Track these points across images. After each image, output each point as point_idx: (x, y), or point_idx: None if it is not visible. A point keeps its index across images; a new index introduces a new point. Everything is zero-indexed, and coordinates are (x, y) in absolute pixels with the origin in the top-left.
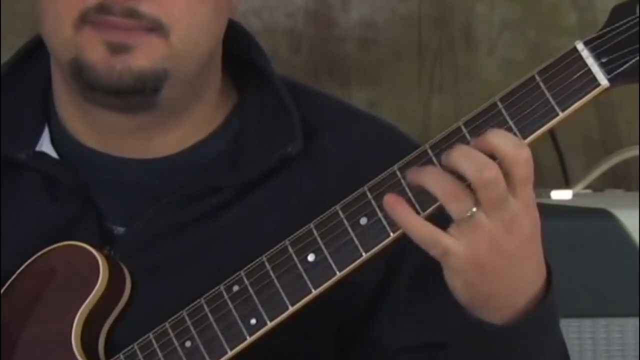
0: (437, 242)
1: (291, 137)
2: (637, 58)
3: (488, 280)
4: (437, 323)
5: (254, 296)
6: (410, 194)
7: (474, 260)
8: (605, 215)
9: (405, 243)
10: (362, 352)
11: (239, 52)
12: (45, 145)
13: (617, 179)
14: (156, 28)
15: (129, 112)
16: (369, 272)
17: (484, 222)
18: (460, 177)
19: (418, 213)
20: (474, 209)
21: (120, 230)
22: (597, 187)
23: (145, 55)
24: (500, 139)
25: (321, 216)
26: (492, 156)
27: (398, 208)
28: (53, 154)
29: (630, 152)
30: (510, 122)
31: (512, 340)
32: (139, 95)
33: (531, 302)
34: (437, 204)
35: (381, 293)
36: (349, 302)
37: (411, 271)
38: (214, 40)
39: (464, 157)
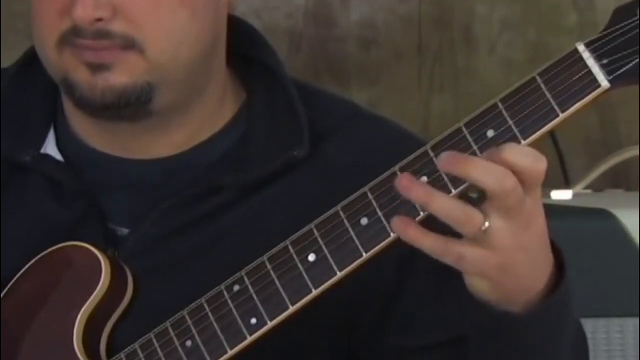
0: (448, 251)
1: (298, 141)
2: (638, 59)
3: (512, 277)
4: (454, 319)
5: (254, 295)
6: None
7: (498, 261)
8: (605, 215)
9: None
10: (377, 354)
11: (248, 52)
12: (50, 147)
13: (617, 179)
14: (130, 45)
15: (127, 120)
16: (380, 273)
17: (502, 226)
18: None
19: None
20: (487, 223)
21: (124, 231)
22: (597, 187)
23: (124, 72)
24: (518, 156)
25: (322, 216)
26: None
27: (408, 230)
28: (57, 156)
29: (630, 152)
30: (511, 123)
31: (536, 327)
32: (127, 108)
33: (546, 288)
34: None
35: (395, 293)
36: (360, 303)
37: (425, 270)
38: (198, 44)
39: (480, 170)
